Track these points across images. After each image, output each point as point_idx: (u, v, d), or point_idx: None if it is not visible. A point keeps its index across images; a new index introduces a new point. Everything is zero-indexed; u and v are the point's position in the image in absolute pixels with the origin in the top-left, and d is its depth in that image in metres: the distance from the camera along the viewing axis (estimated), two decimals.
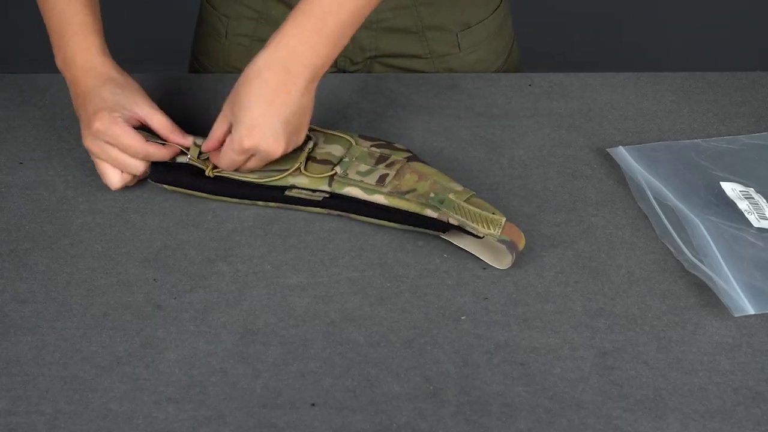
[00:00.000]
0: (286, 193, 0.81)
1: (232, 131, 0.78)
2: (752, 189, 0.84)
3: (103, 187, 0.85)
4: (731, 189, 0.84)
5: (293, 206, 0.82)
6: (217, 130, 0.81)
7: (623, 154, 0.89)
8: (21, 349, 0.69)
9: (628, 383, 0.67)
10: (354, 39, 1.02)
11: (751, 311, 0.71)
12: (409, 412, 0.64)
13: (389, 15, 1.02)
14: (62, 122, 0.94)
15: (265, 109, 0.76)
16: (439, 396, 0.65)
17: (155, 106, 0.83)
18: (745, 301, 0.72)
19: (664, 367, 0.68)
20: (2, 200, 0.84)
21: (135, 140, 0.80)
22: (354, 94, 1.00)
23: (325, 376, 0.67)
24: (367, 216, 0.80)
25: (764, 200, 0.82)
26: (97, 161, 0.82)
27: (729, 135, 0.93)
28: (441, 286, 0.75)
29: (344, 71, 1.06)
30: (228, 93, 0.80)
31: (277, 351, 0.69)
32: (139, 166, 0.82)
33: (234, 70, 1.06)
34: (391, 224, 0.80)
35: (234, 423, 0.63)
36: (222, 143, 0.81)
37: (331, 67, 1.05)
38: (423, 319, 0.72)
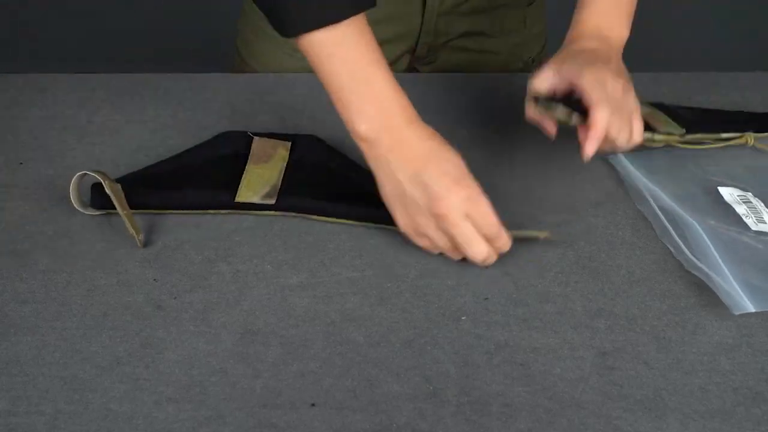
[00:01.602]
0: (237, 199, 0.81)
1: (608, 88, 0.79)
2: (750, 194, 0.84)
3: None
4: (729, 193, 0.84)
5: (246, 212, 0.82)
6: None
7: (621, 160, 0.89)
8: (21, 349, 0.69)
9: (628, 383, 0.67)
10: (435, 25, 1.02)
11: (752, 309, 0.71)
12: (409, 412, 0.64)
13: None
14: (62, 122, 0.95)
15: (606, 67, 0.81)
16: (439, 396, 0.65)
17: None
18: (745, 299, 0.72)
19: (664, 367, 0.68)
20: (2, 200, 0.84)
21: (494, 217, 0.73)
22: None
23: (325, 376, 0.67)
24: (323, 214, 0.80)
25: (762, 204, 0.82)
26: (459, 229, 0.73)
27: None
28: (441, 286, 0.75)
29: (420, 60, 1.07)
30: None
31: (277, 351, 0.69)
32: (483, 251, 0.74)
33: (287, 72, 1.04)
34: (349, 222, 0.80)
35: (234, 423, 0.63)
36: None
37: (408, 56, 1.05)
38: (423, 319, 0.72)
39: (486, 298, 0.74)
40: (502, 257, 0.78)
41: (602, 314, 0.73)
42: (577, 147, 0.92)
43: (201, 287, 0.74)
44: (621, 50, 0.85)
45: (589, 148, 0.77)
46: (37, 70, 1.04)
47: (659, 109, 0.93)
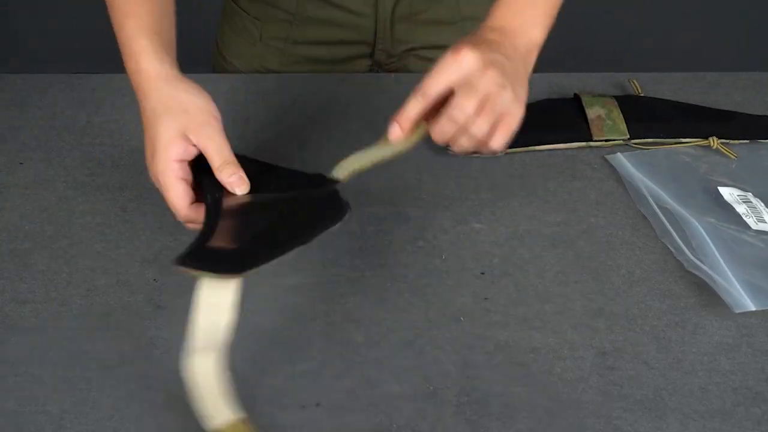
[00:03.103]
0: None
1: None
2: (750, 194, 0.84)
3: (103, 186, 0.85)
4: (729, 193, 0.84)
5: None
6: (431, 87, 0.72)
7: (621, 160, 0.89)
8: (21, 350, 0.69)
9: (628, 383, 0.67)
10: (392, 32, 1.03)
11: (752, 307, 0.71)
12: (409, 412, 0.64)
13: (426, 7, 1.02)
14: (62, 122, 0.95)
15: (485, 46, 0.72)
16: (439, 396, 0.65)
17: (217, 130, 0.71)
18: (746, 297, 0.72)
19: (664, 367, 0.68)
20: (2, 200, 0.84)
21: (178, 201, 0.70)
22: (354, 94, 1.00)
23: (325, 376, 0.67)
24: None
25: (762, 204, 0.82)
26: None
27: None
28: (441, 286, 0.75)
29: (381, 65, 1.06)
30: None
31: (277, 351, 0.69)
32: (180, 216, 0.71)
33: (267, 71, 1.06)
34: None
35: None
36: (433, 106, 0.73)
37: (368, 59, 1.05)
38: (423, 319, 0.72)
39: (486, 299, 0.74)
40: (502, 257, 0.78)
41: (602, 314, 0.73)
42: (578, 148, 0.92)
43: None
44: (530, 53, 0.76)
45: (393, 131, 0.73)
46: (37, 70, 1.04)
47: (622, 105, 0.93)
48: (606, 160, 0.90)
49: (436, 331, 0.71)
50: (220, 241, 0.66)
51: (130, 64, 0.75)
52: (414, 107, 0.73)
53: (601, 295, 0.74)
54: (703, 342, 0.70)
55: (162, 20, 0.76)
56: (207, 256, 0.64)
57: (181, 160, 0.70)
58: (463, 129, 0.72)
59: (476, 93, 0.71)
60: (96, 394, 0.65)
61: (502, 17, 0.76)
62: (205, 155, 0.70)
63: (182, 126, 0.70)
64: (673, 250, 0.79)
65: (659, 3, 2.37)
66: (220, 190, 0.70)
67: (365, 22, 1.02)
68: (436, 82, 0.71)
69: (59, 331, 0.70)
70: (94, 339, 0.69)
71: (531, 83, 1.01)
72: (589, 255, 0.79)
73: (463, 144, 0.73)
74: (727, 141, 0.92)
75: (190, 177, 0.71)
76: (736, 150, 0.91)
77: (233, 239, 0.66)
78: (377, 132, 0.93)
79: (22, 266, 0.76)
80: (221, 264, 0.63)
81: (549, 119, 0.93)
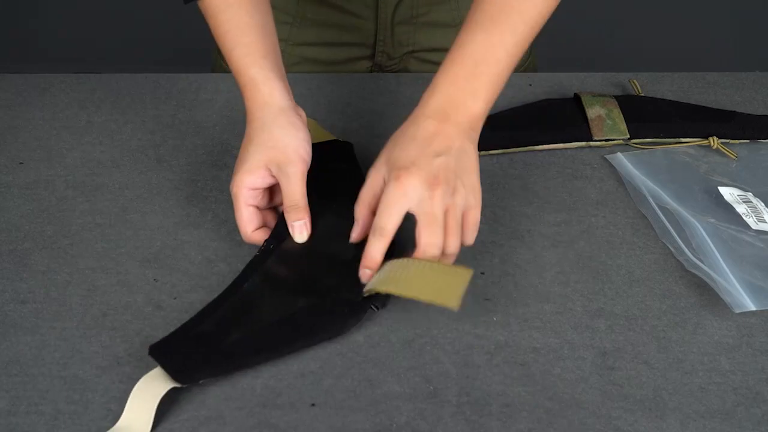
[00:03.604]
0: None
1: (387, 180, 0.70)
2: (750, 193, 0.84)
3: (103, 186, 0.85)
4: (729, 193, 0.84)
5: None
6: (366, 193, 0.72)
7: (621, 160, 0.89)
8: (21, 349, 0.69)
9: (628, 383, 0.67)
10: (392, 34, 1.03)
11: (752, 307, 0.71)
12: (409, 412, 0.64)
13: (427, 10, 1.03)
14: (62, 122, 0.95)
15: (422, 149, 0.70)
16: (439, 396, 0.65)
17: (297, 172, 0.74)
18: (746, 297, 0.72)
19: (664, 367, 0.68)
20: (2, 200, 0.84)
21: (243, 225, 0.75)
22: (354, 94, 1.00)
23: (325, 376, 0.67)
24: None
25: (762, 204, 0.82)
26: None
27: None
28: None
29: (381, 67, 1.07)
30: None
31: None
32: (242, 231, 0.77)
33: None
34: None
35: (234, 423, 0.63)
36: (373, 210, 0.71)
37: (368, 61, 1.05)
38: (423, 319, 0.72)
39: (487, 299, 0.74)
40: (502, 257, 0.78)
41: (602, 314, 0.73)
42: (578, 148, 0.92)
43: (201, 287, 0.74)
44: (473, 126, 0.73)
45: (364, 275, 0.71)
46: (37, 70, 1.04)
47: (622, 105, 0.94)
48: (606, 160, 0.90)
49: (436, 331, 0.71)
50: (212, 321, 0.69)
51: (239, 80, 0.79)
52: (377, 248, 0.70)
53: (601, 295, 0.74)
54: (703, 342, 0.70)
55: (265, 35, 0.80)
56: (177, 348, 0.67)
57: (255, 188, 0.75)
58: (439, 255, 0.70)
59: (435, 220, 0.69)
60: (90, 394, 0.65)
61: (444, 93, 0.73)
62: (282, 192, 0.75)
63: (267, 158, 0.74)
64: (673, 250, 0.79)
65: (659, 3, 2.37)
66: (277, 240, 0.75)
67: (366, 24, 1.02)
68: (389, 218, 0.69)
69: (58, 331, 0.70)
70: (91, 339, 0.69)
71: (531, 83, 1.02)
72: (589, 255, 0.79)
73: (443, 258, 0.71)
74: (727, 141, 0.92)
75: (262, 203, 0.77)
76: (736, 150, 0.91)
77: (234, 325, 0.69)
78: (377, 132, 0.93)
79: (22, 266, 0.76)
80: (179, 363, 0.65)
81: (549, 119, 0.93)
